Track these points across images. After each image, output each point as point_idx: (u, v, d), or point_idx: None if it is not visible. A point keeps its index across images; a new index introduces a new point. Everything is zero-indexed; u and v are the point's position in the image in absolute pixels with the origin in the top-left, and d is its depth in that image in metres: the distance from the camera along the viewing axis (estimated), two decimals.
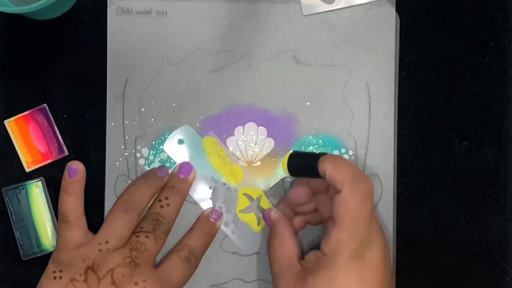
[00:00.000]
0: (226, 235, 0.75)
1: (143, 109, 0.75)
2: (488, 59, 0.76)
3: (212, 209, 0.74)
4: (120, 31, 0.75)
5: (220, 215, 0.74)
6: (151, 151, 0.75)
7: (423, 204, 0.75)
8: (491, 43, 0.76)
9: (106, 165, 0.75)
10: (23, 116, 0.75)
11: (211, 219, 0.73)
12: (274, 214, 0.72)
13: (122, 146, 0.75)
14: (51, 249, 0.75)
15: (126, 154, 0.75)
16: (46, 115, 0.75)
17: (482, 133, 0.75)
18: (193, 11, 0.76)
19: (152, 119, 0.75)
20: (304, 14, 0.76)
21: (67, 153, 0.75)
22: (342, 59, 0.76)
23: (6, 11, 0.67)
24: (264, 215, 0.73)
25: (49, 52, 0.76)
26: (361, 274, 0.63)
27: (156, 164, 0.75)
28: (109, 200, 0.75)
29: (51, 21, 0.76)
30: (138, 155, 0.75)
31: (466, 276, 0.75)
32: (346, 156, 0.75)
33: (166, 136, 0.75)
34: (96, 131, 0.75)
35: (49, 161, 0.75)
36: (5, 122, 0.75)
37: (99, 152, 0.75)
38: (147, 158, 0.75)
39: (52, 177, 0.75)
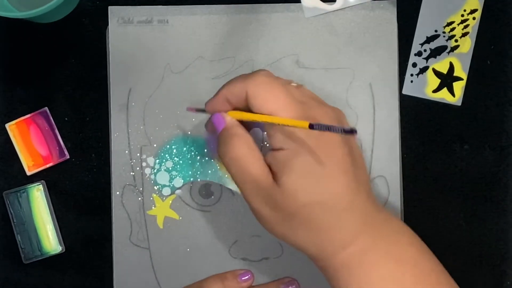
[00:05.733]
0: (235, 241, 0.75)
1: (147, 118, 0.75)
2: (489, 62, 0.76)
3: (245, 271, 0.74)
4: (122, 41, 0.75)
5: (247, 280, 0.74)
6: (157, 160, 0.75)
7: (424, 207, 0.76)
8: (492, 47, 0.76)
9: (112, 175, 0.75)
10: (24, 119, 0.75)
11: (239, 279, 0.74)
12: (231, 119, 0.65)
13: (128, 156, 0.75)
14: (52, 253, 0.75)
15: (131, 163, 0.75)
16: (47, 119, 0.75)
17: (483, 137, 0.76)
18: (194, 19, 0.75)
19: (157, 128, 0.75)
20: (306, 16, 0.75)
21: (68, 157, 0.75)
22: (345, 62, 0.76)
23: (9, 16, 0.67)
24: (217, 117, 0.64)
25: (50, 55, 0.76)
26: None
27: (162, 174, 0.75)
28: (117, 211, 0.75)
29: (52, 25, 0.75)
30: (144, 164, 0.75)
31: (466, 279, 0.75)
32: None
33: (172, 144, 0.75)
34: (97, 135, 0.75)
35: (50, 164, 0.75)
36: (6, 125, 0.75)
37: (100, 155, 0.75)
38: (153, 167, 0.75)
39: (53, 180, 0.75)
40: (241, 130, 0.63)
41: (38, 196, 0.75)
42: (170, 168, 0.75)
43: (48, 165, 0.75)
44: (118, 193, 0.75)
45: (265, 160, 0.62)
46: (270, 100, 0.61)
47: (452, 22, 0.76)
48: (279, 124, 0.60)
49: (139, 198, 0.75)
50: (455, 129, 0.76)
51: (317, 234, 0.61)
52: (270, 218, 0.62)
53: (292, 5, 0.75)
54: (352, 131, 0.55)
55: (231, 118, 0.64)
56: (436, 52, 0.76)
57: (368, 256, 0.61)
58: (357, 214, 0.61)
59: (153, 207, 0.75)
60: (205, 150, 0.75)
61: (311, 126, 0.56)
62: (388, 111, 0.75)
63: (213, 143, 0.74)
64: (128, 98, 0.75)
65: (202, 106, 0.67)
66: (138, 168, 0.75)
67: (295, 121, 0.58)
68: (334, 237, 0.61)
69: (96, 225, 0.75)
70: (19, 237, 0.75)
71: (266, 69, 0.65)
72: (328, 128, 0.55)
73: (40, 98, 0.75)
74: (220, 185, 0.75)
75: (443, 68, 0.76)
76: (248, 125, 0.65)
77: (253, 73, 0.63)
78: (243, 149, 0.62)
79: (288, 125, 0.59)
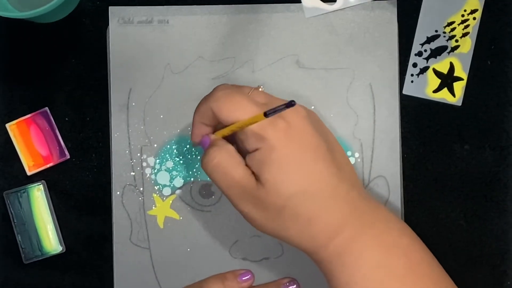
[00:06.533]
0: (235, 242, 0.75)
1: (147, 118, 0.75)
2: (489, 62, 0.76)
3: (245, 271, 0.74)
4: (122, 41, 0.75)
5: (248, 280, 0.73)
6: (157, 160, 0.75)
7: (424, 207, 0.76)
8: (492, 47, 0.76)
9: (112, 175, 0.75)
10: (24, 119, 0.75)
11: (239, 279, 0.74)
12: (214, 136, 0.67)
13: (128, 156, 0.75)
14: (53, 253, 0.75)
15: (132, 163, 0.75)
16: (47, 119, 0.75)
17: (483, 137, 0.76)
18: (194, 19, 0.75)
19: (157, 128, 0.75)
20: (307, 16, 0.75)
21: (68, 157, 0.75)
22: (345, 62, 0.76)
23: (9, 16, 0.67)
24: (204, 140, 0.67)
25: (51, 55, 0.76)
26: (293, 135, 0.62)
27: (162, 174, 0.75)
28: (117, 211, 0.75)
29: (52, 25, 0.75)
30: (144, 164, 0.75)
31: (466, 279, 0.75)
32: (352, 159, 0.75)
33: (172, 144, 0.75)
34: (97, 135, 0.75)
35: (51, 164, 0.75)
36: (7, 125, 0.75)
37: (101, 155, 0.75)
38: (153, 167, 0.75)
39: (53, 180, 0.75)
40: (222, 142, 0.65)
41: (38, 196, 0.75)
42: (171, 168, 0.75)
43: (48, 165, 0.75)
44: (118, 193, 0.75)
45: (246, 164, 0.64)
46: (232, 110, 0.62)
47: (452, 22, 0.76)
48: (244, 127, 0.62)
49: (140, 198, 0.75)
50: (456, 129, 0.76)
51: (306, 226, 0.62)
52: (261, 219, 0.63)
53: (292, 5, 0.75)
54: (291, 103, 0.57)
55: (214, 135, 0.66)
56: (437, 52, 0.76)
57: (357, 244, 0.62)
58: (342, 201, 0.62)
59: (153, 207, 0.75)
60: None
61: (265, 115, 0.58)
62: (389, 111, 0.75)
63: None
64: (128, 98, 0.75)
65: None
66: (138, 168, 0.75)
67: (252, 117, 0.60)
68: (322, 226, 0.62)
69: (96, 225, 0.75)
70: (19, 237, 0.75)
71: (224, 83, 0.66)
72: (275, 110, 0.58)
73: (40, 98, 0.75)
74: None
75: (444, 68, 0.76)
76: (231, 140, 0.67)
77: (213, 90, 0.65)
78: (223, 155, 0.63)
79: (249, 124, 0.61)
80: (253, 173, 0.63)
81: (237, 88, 0.65)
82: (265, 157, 0.61)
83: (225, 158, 0.63)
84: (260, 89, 0.66)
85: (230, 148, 0.64)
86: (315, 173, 0.62)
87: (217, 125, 0.66)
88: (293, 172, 0.61)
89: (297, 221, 0.62)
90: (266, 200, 0.61)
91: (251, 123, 0.61)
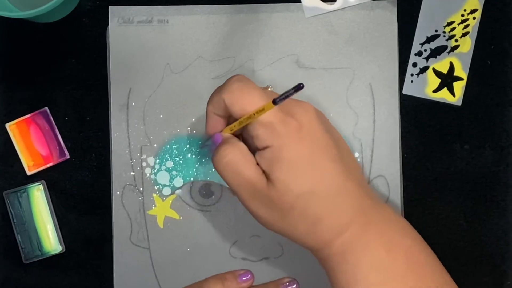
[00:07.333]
0: (235, 242, 0.75)
1: (147, 118, 0.75)
2: (489, 62, 0.76)
3: (245, 272, 0.74)
4: (122, 41, 0.75)
5: (248, 280, 0.73)
6: (157, 160, 0.75)
7: (424, 207, 0.76)
8: (492, 46, 0.76)
9: (112, 175, 0.75)
10: (24, 119, 0.75)
11: (239, 279, 0.73)
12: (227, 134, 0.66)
13: (128, 156, 0.75)
14: (53, 253, 0.75)
15: (132, 163, 0.75)
16: (47, 118, 0.75)
17: (483, 137, 0.76)
18: (194, 19, 0.75)
19: (157, 128, 0.75)
20: (306, 16, 0.75)
21: (68, 156, 0.75)
22: (345, 62, 0.76)
23: (9, 16, 0.67)
24: (216, 137, 0.66)
25: (50, 55, 0.76)
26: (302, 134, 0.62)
27: (162, 174, 0.75)
28: (117, 210, 0.75)
29: (52, 24, 0.75)
30: (144, 164, 0.75)
31: (467, 279, 0.75)
32: None
33: (172, 144, 0.75)
34: (97, 134, 0.75)
35: (51, 164, 0.75)
36: (7, 125, 0.75)
37: (101, 155, 0.75)
38: (153, 167, 0.75)
39: (53, 180, 0.75)
40: (234, 139, 0.65)
41: (38, 196, 0.75)
42: (170, 168, 0.75)
43: (48, 165, 0.75)
44: (118, 193, 0.75)
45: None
46: (246, 104, 0.62)
47: (452, 22, 0.76)
48: (253, 118, 0.61)
49: (139, 198, 0.75)
50: (455, 129, 0.76)
51: (314, 224, 0.62)
52: (269, 218, 0.63)
53: (292, 5, 0.75)
54: (299, 86, 0.57)
55: (226, 133, 0.65)
56: (436, 52, 0.76)
57: (359, 242, 0.62)
58: (349, 200, 0.62)
59: (153, 207, 0.75)
60: (206, 150, 0.75)
61: (274, 102, 0.58)
62: (388, 111, 0.75)
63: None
64: (128, 98, 0.75)
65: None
66: (138, 168, 0.75)
67: (261, 107, 0.60)
68: (329, 225, 0.62)
69: (96, 225, 0.75)
70: (19, 237, 0.75)
71: (240, 74, 0.65)
72: (285, 95, 0.58)
73: (40, 98, 0.75)
74: (220, 185, 0.75)
75: (443, 68, 0.76)
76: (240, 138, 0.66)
77: (227, 81, 0.64)
78: (235, 153, 0.63)
79: (258, 114, 0.60)
80: (263, 171, 0.63)
81: (250, 82, 0.64)
82: (276, 156, 0.61)
83: (237, 156, 0.63)
84: (269, 89, 0.66)
85: (242, 146, 0.64)
86: (324, 173, 0.62)
87: (230, 118, 0.66)
88: (303, 171, 0.61)
89: (305, 220, 0.62)
90: (276, 199, 0.62)
91: (260, 113, 0.60)
